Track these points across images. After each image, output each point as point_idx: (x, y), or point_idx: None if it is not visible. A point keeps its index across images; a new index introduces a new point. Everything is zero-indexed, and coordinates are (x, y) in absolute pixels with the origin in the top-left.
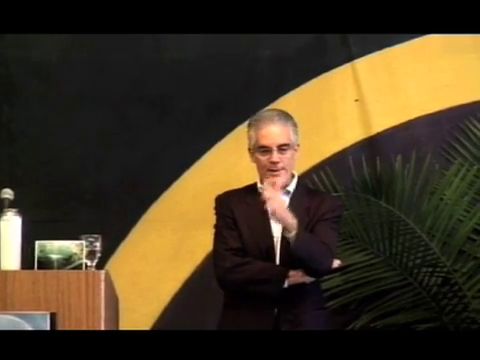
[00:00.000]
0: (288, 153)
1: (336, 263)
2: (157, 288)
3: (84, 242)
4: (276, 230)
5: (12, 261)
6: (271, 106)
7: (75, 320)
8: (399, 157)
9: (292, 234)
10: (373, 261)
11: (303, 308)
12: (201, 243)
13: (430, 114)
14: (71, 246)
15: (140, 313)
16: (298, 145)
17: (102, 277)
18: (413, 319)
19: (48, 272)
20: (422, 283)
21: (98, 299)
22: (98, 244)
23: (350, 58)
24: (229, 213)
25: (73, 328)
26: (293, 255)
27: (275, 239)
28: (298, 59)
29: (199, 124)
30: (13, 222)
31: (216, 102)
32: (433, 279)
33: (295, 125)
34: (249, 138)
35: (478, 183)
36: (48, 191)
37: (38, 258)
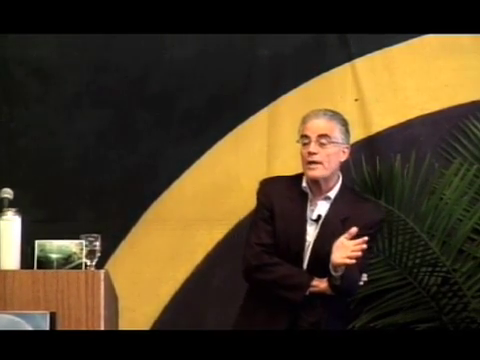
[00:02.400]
0: (329, 148)
1: (362, 280)
2: (157, 288)
3: (84, 242)
4: (310, 235)
5: (12, 260)
6: (270, 106)
7: (75, 319)
8: (398, 157)
9: (338, 274)
10: (372, 261)
11: (322, 316)
12: (201, 243)
13: (429, 114)
14: (71, 246)
15: (140, 313)
16: (347, 147)
17: (102, 277)
18: (413, 319)
19: (48, 272)
20: (422, 283)
21: (98, 299)
22: (98, 244)
23: (349, 58)
24: (268, 204)
25: (73, 328)
26: (333, 289)
27: (307, 243)
28: (297, 59)
29: (199, 124)
30: (13, 222)
31: (216, 102)
32: (433, 279)
33: (344, 125)
34: (298, 132)
35: (478, 182)
36: (48, 191)
37: (38, 257)
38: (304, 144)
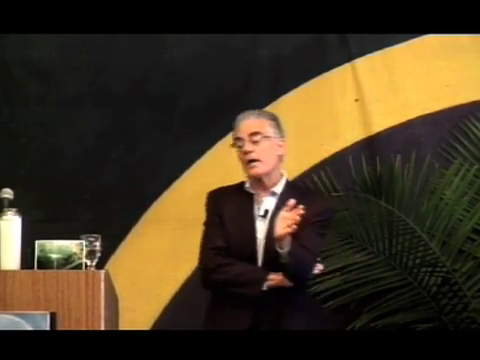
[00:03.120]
0: (263, 144)
1: (318, 269)
2: (157, 288)
3: (84, 242)
4: (260, 232)
5: (12, 261)
6: (271, 106)
7: (75, 320)
8: (399, 157)
9: (284, 250)
10: (373, 261)
11: (282, 310)
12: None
13: (430, 114)
14: (71, 246)
15: (140, 313)
16: (282, 141)
17: (102, 277)
18: (413, 319)
19: (48, 272)
20: (422, 283)
21: (98, 299)
22: (98, 244)
23: (350, 58)
24: (216, 211)
25: (73, 328)
26: (283, 269)
27: (258, 241)
28: (297, 59)
29: (199, 124)
30: (13, 222)
31: (216, 102)
32: (433, 279)
33: (274, 120)
34: (232, 139)
35: (478, 183)
36: (48, 191)
37: (38, 258)
38: (239, 147)
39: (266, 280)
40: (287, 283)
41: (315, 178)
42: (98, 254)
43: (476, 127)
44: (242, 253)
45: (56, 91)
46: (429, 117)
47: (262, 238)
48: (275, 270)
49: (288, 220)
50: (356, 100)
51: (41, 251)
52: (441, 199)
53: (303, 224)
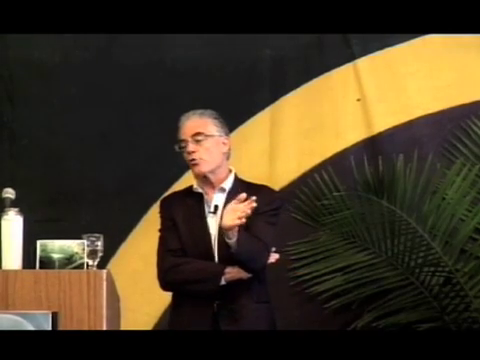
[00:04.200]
0: (206, 143)
1: (273, 258)
2: (158, 288)
3: (85, 241)
4: (213, 228)
5: (14, 260)
6: (272, 106)
7: (77, 319)
8: (401, 157)
9: (232, 240)
10: (375, 261)
11: (242, 303)
12: None
13: (432, 114)
14: (73, 245)
15: (141, 313)
16: (226, 138)
17: (103, 276)
18: (415, 319)
19: (50, 271)
20: (424, 283)
21: (100, 298)
22: (99, 244)
23: (351, 58)
24: (169, 215)
25: (75, 327)
26: (234, 259)
27: (212, 237)
28: (299, 59)
29: None
30: (15, 221)
31: (217, 102)
32: (435, 279)
33: (217, 118)
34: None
35: None
36: (49, 191)
37: (40, 257)
38: (183, 147)
39: (223, 274)
40: (244, 275)
41: (317, 178)
42: (100, 254)
43: (478, 127)
44: (198, 251)
45: (57, 91)
46: (431, 117)
47: (215, 234)
48: (232, 263)
49: (237, 212)
50: (358, 100)
51: (43, 251)
52: (443, 199)
53: (253, 215)
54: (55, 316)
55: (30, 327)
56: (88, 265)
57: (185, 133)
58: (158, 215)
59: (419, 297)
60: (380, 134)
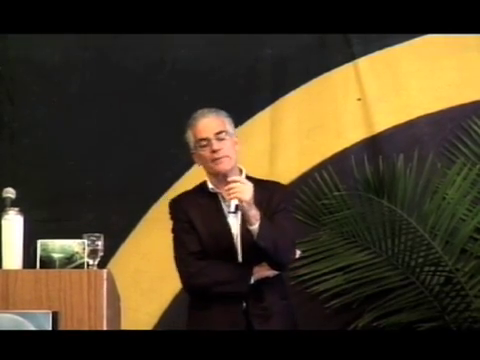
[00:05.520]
0: (227, 142)
1: (298, 253)
2: (159, 287)
3: (86, 241)
4: (235, 227)
5: (14, 260)
6: (273, 105)
7: (77, 319)
8: (401, 156)
9: (255, 226)
10: (375, 260)
11: (271, 300)
12: None
13: (432, 113)
14: (73, 245)
15: (142, 312)
16: (237, 137)
17: (104, 276)
18: (415, 318)
19: (50, 271)
20: (424, 282)
21: (100, 298)
22: (100, 243)
23: (352, 57)
24: (184, 217)
25: (75, 327)
26: (258, 246)
27: (235, 236)
28: (300, 58)
29: None
30: (15, 221)
31: (218, 102)
32: (435, 278)
33: (229, 117)
34: (188, 141)
35: None
36: (50, 190)
37: (40, 257)
38: (203, 146)
39: (252, 274)
40: (271, 273)
41: (317, 177)
42: (100, 253)
43: (479, 126)
44: (220, 252)
45: (58, 91)
46: (432, 117)
47: (237, 233)
48: (256, 261)
49: (232, 189)
50: (359, 100)
51: (43, 250)
52: (443, 198)
53: (272, 212)
54: (55, 316)
55: (30, 327)
56: (88, 265)
57: (206, 131)
58: (159, 215)
59: (420, 297)
60: (380, 134)
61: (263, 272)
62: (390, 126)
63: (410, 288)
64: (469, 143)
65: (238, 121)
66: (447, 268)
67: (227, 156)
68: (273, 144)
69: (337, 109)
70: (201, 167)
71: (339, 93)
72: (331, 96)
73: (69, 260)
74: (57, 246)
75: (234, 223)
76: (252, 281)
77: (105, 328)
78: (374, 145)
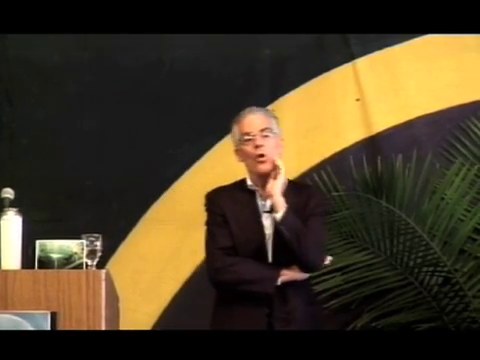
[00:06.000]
0: (271, 140)
1: (328, 259)
2: (158, 288)
3: (85, 241)
4: (268, 227)
5: (13, 260)
6: (271, 106)
7: (76, 319)
8: (400, 157)
9: (279, 214)
10: (374, 260)
11: (295, 305)
12: (201, 243)
13: (431, 114)
14: (72, 245)
15: (141, 313)
16: (282, 140)
17: (103, 276)
18: (414, 319)
19: (49, 271)
20: (423, 283)
21: (99, 298)
22: (99, 243)
23: (351, 58)
24: (219, 210)
25: (74, 327)
26: (280, 235)
27: (267, 236)
28: (299, 59)
29: (199, 124)
30: (14, 221)
31: (216, 102)
32: (434, 279)
33: (276, 118)
34: (233, 136)
35: (479, 183)
36: (49, 190)
37: (39, 257)
38: (247, 140)
39: (280, 276)
40: (299, 276)
41: (316, 178)
42: (99, 254)
43: (477, 127)
44: (250, 250)
45: (57, 91)
46: (430, 117)
47: (270, 233)
48: (286, 264)
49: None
50: (357, 100)
51: (42, 251)
52: (442, 199)
53: (307, 215)
54: (54, 316)
55: (29, 327)
56: (87, 265)
57: (252, 126)
58: (158, 215)
59: (418, 297)
60: (379, 134)
61: (291, 275)
62: (389, 126)
63: (409, 288)
64: (468, 143)
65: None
66: (446, 268)
67: (269, 154)
68: None
69: (336, 109)
70: (243, 163)
71: (338, 93)
72: (330, 96)
73: (68, 260)
74: (56, 246)
75: (268, 223)
76: (279, 283)
77: (104, 328)
78: (373, 145)
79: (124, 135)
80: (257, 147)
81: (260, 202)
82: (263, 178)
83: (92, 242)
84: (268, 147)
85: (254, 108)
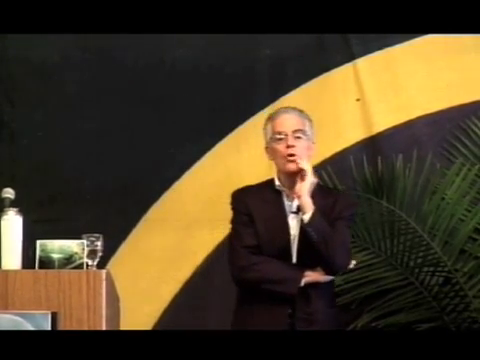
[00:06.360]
0: (303, 142)
1: (353, 263)
2: (158, 288)
3: (85, 241)
4: (294, 228)
5: (13, 260)
6: (272, 106)
7: (76, 319)
8: (400, 156)
9: (307, 215)
10: (374, 260)
11: (317, 307)
12: (202, 243)
13: (431, 114)
14: (72, 245)
15: (141, 313)
16: (314, 143)
17: (103, 276)
18: (414, 319)
19: (49, 271)
20: (423, 283)
21: (99, 298)
22: (99, 243)
23: (351, 58)
24: (245, 209)
25: (74, 327)
26: (306, 236)
27: (292, 237)
28: (299, 59)
29: (200, 124)
30: (14, 221)
31: (216, 102)
32: (434, 279)
33: (311, 121)
34: (265, 133)
35: (479, 182)
36: (49, 190)
37: (39, 257)
38: (279, 139)
39: (303, 277)
40: (323, 278)
41: (316, 177)
42: (99, 254)
43: (477, 127)
44: (275, 250)
45: (57, 91)
46: (431, 117)
47: (295, 234)
48: (310, 265)
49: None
50: (358, 100)
51: (42, 251)
52: (442, 199)
53: (334, 218)
54: (54, 316)
55: (29, 327)
56: (88, 265)
57: (285, 126)
58: (159, 215)
59: (418, 297)
60: (379, 134)
61: (315, 276)
62: (389, 126)
63: (409, 288)
64: (468, 143)
65: (237, 122)
66: (446, 268)
67: (300, 155)
68: None
69: (336, 109)
70: (273, 162)
71: (338, 93)
72: (330, 96)
73: (68, 260)
74: (56, 246)
75: (294, 224)
76: (302, 284)
77: (104, 328)
78: (373, 145)
79: (124, 135)
80: (288, 147)
81: (287, 203)
82: (291, 179)
83: (92, 242)
84: (299, 148)
85: (290, 108)
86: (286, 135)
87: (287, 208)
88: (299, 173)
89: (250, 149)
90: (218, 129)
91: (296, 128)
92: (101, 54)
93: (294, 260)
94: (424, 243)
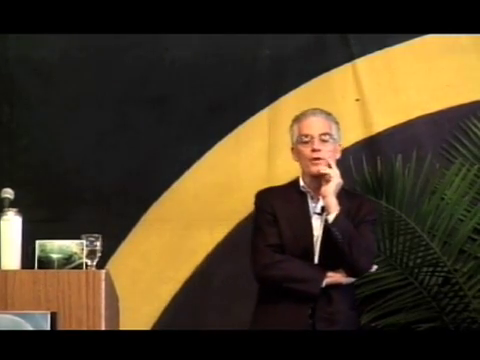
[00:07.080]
0: (330, 145)
1: (374, 268)
2: (157, 288)
3: (84, 242)
4: (317, 229)
5: (12, 260)
6: (271, 106)
7: (75, 319)
8: (400, 157)
9: (332, 215)
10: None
11: (338, 308)
12: (201, 243)
13: (431, 114)
14: (71, 246)
15: (141, 313)
16: (340, 146)
17: (102, 276)
18: (414, 319)
19: (48, 271)
20: (423, 283)
21: (98, 298)
22: (98, 244)
23: (350, 58)
24: (269, 209)
25: (74, 327)
26: (330, 237)
27: (315, 237)
28: (298, 59)
29: (199, 124)
30: (13, 222)
31: (216, 102)
32: (434, 279)
33: (338, 124)
34: (291, 134)
35: (479, 183)
36: (48, 191)
37: (38, 257)
38: (305, 142)
39: (326, 277)
40: (345, 280)
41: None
42: (99, 254)
43: (477, 127)
44: (298, 250)
45: (57, 91)
46: (430, 117)
47: (319, 235)
48: (332, 266)
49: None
50: (357, 100)
51: (42, 251)
52: (442, 199)
53: (358, 222)
54: (54, 316)
55: (29, 327)
56: (87, 265)
57: (311, 129)
58: (158, 216)
59: (418, 297)
60: (379, 134)
61: (337, 278)
62: (388, 126)
63: (408, 288)
64: (467, 143)
65: (237, 122)
66: (445, 268)
67: (325, 159)
68: (272, 145)
69: (335, 110)
70: (298, 163)
71: (337, 93)
72: (329, 96)
73: (67, 260)
74: (55, 246)
75: (317, 225)
76: (323, 285)
77: (104, 328)
78: (372, 145)
79: (124, 135)
80: (314, 151)
81: (311, 204)
82: (316, 180)
83: (92, 242)
84: (325, 152)
85: (318, 110)
86: (312, 138)
87: (311, 209)
88: (324, 175)
89: (250, 149)
90: (218, 129)
91: (323, 131)
92: (101, 54)
93: (316, 261)
94: (423, 243)
